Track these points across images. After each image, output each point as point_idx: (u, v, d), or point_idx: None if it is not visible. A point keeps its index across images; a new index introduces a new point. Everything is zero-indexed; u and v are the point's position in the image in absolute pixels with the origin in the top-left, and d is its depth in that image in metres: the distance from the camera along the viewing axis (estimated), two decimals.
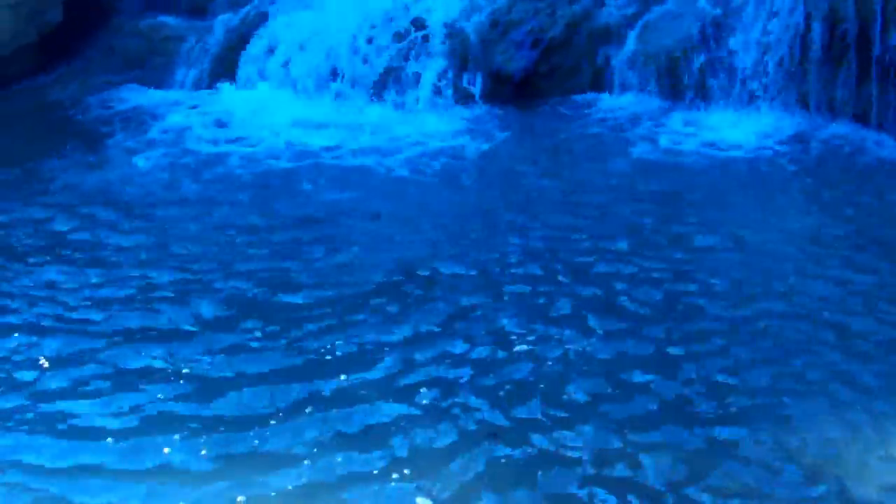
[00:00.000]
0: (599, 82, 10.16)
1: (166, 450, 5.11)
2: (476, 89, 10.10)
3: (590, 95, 10.10)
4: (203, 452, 5.07)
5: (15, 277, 6.95)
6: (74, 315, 6.43)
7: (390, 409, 5.39)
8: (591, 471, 4.93)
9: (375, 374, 5.72)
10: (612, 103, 9.95)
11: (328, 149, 9.18)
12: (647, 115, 9.67)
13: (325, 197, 8.29)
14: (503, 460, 5.01)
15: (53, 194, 8.44)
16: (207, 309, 6.45)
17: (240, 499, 4.74)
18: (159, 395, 5.56)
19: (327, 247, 7.33)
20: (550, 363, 5.79)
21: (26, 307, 6.52)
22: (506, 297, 6.58)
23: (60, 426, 5.32)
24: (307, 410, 5.39)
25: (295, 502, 4.76)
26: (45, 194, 8.43)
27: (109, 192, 8.40)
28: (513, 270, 6.94)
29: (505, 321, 6.23)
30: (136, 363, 5.88)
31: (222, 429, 5.25)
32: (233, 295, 6.64)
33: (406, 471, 4.92)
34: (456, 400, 5.46)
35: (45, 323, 6.34)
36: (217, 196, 8.34)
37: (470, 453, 5.03)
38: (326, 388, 5.57)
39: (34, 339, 6.14)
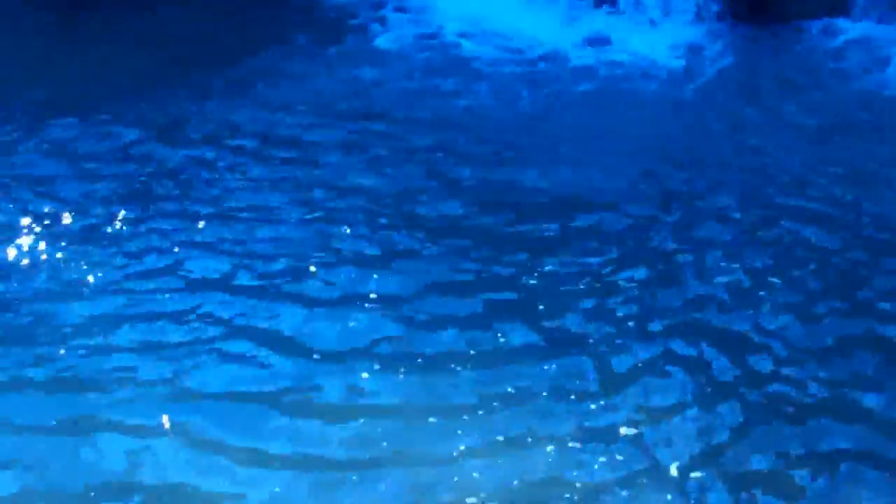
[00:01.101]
0: (842, 6, 9.69)
1: None
2: (713, 6, 9.86)
3: (830, 20, 9.62)
4: None
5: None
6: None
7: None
8: None
9: None
10: (854, 29, 9.49)
11: (543, 57, 9.20)
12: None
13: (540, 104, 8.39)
14: None
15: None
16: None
17: None
18: None
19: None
20: None
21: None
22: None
23: None
24: None
25: None
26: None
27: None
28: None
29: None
30: None
31: None
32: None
33: None
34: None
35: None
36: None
37: None
38: None
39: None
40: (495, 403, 5.04)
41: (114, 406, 5.14)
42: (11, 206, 6.96)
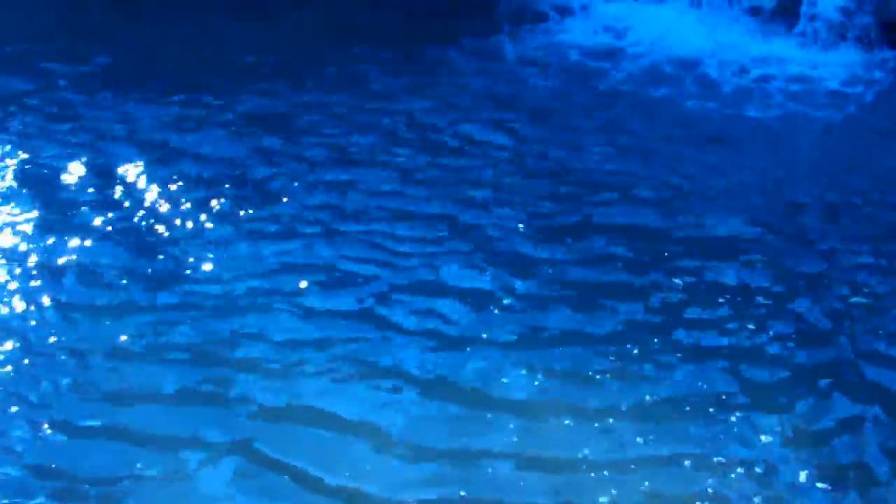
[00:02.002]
0: None
1: None
2: (872, 32, 9.08)
3: None
4: None
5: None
6: None
7: None
8: None
9: None
10: None
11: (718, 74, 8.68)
12: None
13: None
14: None
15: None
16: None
17: None
18: None
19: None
20: None
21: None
22: None
23: None
24: None
25: None
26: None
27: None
28: None
29: None
30: None
31: None
32: None
33: None
34: None
35: None
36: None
37: None
38: None
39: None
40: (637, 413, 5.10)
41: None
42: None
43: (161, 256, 6.41)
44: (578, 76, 8.63)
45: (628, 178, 7.10)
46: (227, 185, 7.13)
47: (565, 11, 9.69)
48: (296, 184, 7.13)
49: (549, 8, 9.70)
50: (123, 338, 5.71)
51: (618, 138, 7.66)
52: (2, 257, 6.38)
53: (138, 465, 4.92)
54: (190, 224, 6.72)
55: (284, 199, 6.96)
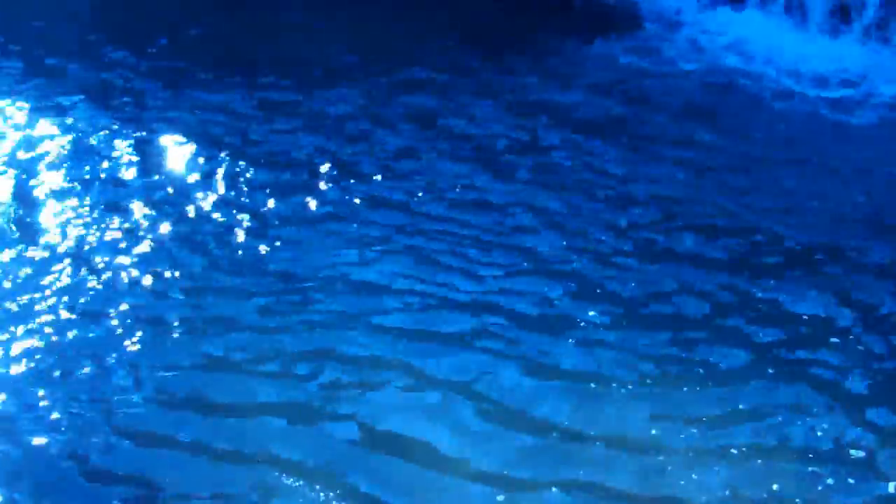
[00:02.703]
0: None
1: None
2: None
3: None
4: None
5: None
6: None
7: None
8: None
9: None
10: None
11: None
12: None
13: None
14: None
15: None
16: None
17: None
18: None
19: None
20: None
21: None
22: None
23: None
24: None
25: None
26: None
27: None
28: None
29: None
30: None
31: None
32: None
33: None
34: None
35: None
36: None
37: None
38: None
39: None
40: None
41: None
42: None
43: (241, 260, 6.42)
44: (673, 89, 8.39)
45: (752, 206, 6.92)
46: (307, 185, 7.12)
47: (659, 19, 9.41)
48: (372, 185, 7.11)
49: (641, 15, 9.46)
50: (212, 349, 5.74)
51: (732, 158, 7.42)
52: (77, 259, 6.44)
53: (219, 482, 4.94)
54: (269, 225, 6.72)
55: (362, 202, 6.94)
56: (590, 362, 5.56)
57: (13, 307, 6.01)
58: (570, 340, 5.71)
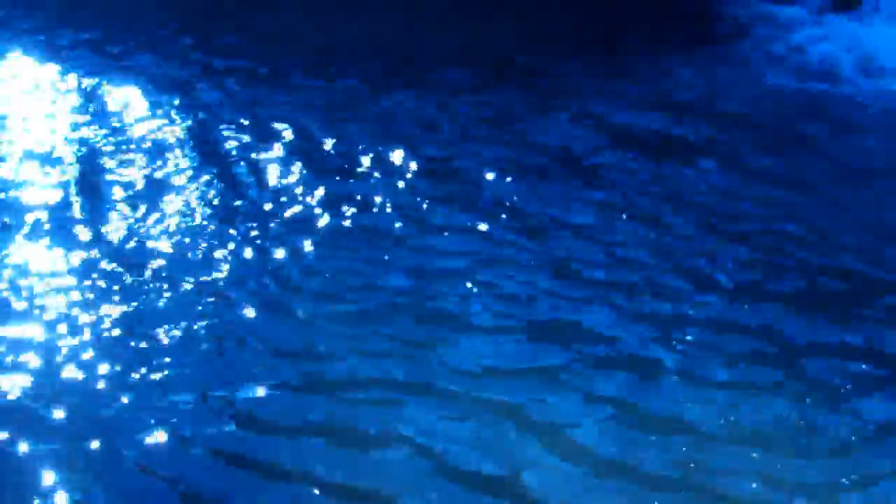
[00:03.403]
0: None
1: None
2: None
3: None
4: None
5: None
6: None
7: None
8: None
9: None
10: None
11: None
12: None
13: None
14: None
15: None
16: None
17: None
18: None
19: None
20: None
21: None
22: None
23: None
24: None
25: None
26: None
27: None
28: None
29: None
30: None
31: None
32: None
33: None
34: None
35: None
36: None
37: None
38: None
39: None
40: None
41: None
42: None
43: (314, 270, 6.43)
44: (772, 103, 8.30)
45: None
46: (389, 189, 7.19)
47: (767, 26, 9.38)
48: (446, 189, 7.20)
49: (749, 23, 9.41)
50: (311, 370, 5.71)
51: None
52: (174, 261, 6.51)
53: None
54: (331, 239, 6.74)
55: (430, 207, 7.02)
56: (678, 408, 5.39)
57: (78, 314, 6.03)
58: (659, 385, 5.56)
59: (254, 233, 6.76)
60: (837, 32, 9.02)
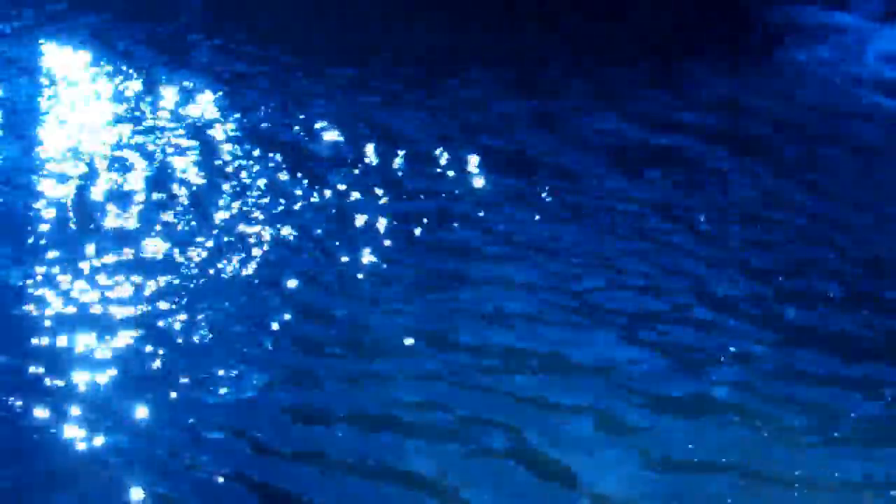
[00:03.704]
0: None
1: None
2: None
3: None
4: None
5: None
6: None
7: None
8: None
9: None
10: None
11: None
12: None
13: None
14: None
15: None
16: None
17: None
18: None
19: None
20: None
21: None
22: None
23: None
24: None
25: None
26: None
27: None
28: None
29: None
30: None
31: None
32: None
33: None
34: None
35: None
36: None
37: None
38: None
39: None
40: None
41: None
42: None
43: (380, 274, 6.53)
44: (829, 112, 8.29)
45: None
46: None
47: (833, 34, 9.28)
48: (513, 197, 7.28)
49: (813, 30, 9.32)
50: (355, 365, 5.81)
51: None
52: (245, 260, 6.64)
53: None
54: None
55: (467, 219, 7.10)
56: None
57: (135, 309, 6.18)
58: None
59: (316, 230, 6.91)
60: (892, 41, 8.99)
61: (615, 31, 9.62)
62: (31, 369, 5.69)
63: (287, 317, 6.12)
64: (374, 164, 7.68)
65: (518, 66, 9.05)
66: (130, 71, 9.07)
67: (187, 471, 5.08)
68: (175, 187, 7.41)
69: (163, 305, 6.18)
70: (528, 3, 10.03)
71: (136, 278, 6.41)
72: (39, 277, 6.39)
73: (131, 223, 6.99)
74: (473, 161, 7.61)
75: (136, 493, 4.92)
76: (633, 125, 8.09)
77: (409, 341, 5.91)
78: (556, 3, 9.97)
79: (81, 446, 5.21)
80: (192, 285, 6.37)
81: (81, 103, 8.61)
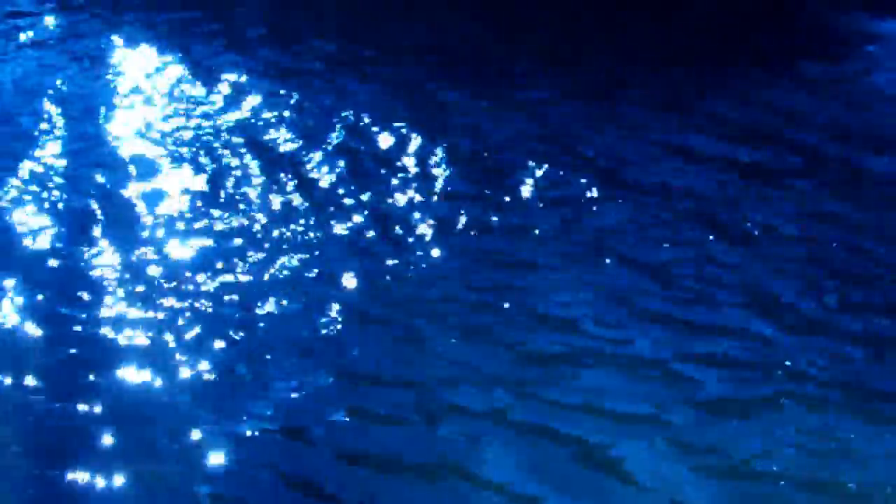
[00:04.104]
0: None
1: None
2: None
3: None
4: None
5: None
6: None
7: None
8: None
9: None
10: None
11: None
12: None
13: None
14: None
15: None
16: None
17: None
18: None
19: None
20: None
21: None
22: None
23: None
24: None
25: None
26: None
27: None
28: None
29: None
30: None
31: None
32: None
33: None
34: None
35: None
36: None
37: None
38: None
39: None
40: None
41: None
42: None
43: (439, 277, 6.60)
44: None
45: None
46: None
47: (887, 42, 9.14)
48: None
49: (866, 37, 9.20)
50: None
51: None
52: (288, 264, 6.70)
53: None
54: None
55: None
56: None
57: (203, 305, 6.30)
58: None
59: (369, 232, 6.97)
60: None
61: (671, 35, 9.56)
62: (85, 365, 5.83)
63: (341, 317, 6.22)
64: (427, 167, 7.70)
65: (573, 70, 9.04)
66: (192, 66, 9.14)
67: (246, 470, 5.20)
68: (230, 183, 7.51)
69: (219, 301, 6.32)
70: (581, 6, 9.97)
71: (191, 274, 6.55)
72: (100, 272, 6.55)
73: (186, 218, 7.10)
74: (530, 165, 7.62)
75: (196, 491, 5.06)
76: (691, 131, 8.11)
77: (465, 346, 6.00)
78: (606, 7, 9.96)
79: (137, 440, 5.36)
80: (247, 283, 6.49)
81: (144, 96, 8.71)
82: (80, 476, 5.12)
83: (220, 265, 6.61)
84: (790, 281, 6.47)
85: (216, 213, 7.15)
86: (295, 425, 5.49)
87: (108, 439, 5.36)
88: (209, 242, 6.85)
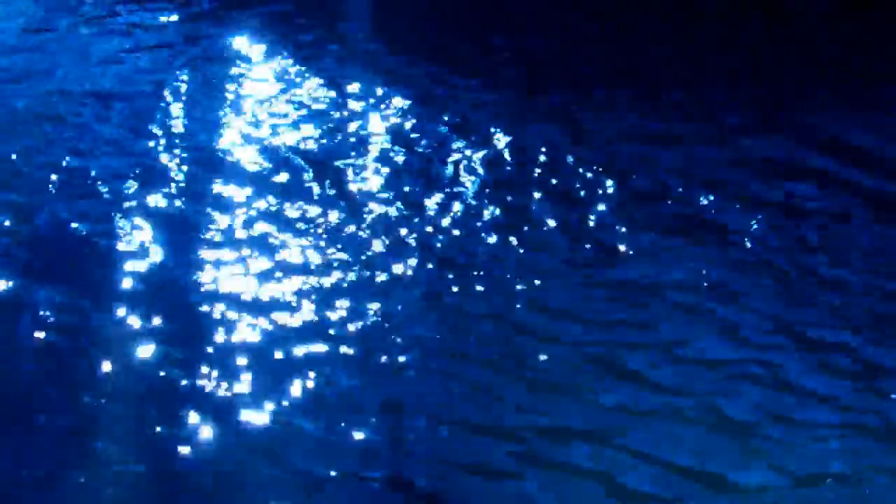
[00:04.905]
0: None
1: None
2: None
3: None
4: None
5: None
6: None
7: None
8: None
9: None
10: None
11: None
12: None
13: None
14: None
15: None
16: None
17: None
18: None
19: None
20: None
21: None
22: None
23: None
24: None
25: None
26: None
27: None
28: None
29: None
30: None
31: None
32: None
33: None
34: None
35: None
36: None
37: None
38: None
39: None
40: None
41: None
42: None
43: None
44: None
45: None
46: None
47: None
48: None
49: None
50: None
51: None
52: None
53: None
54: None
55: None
56: None
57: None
58: None
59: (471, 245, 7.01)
60: None
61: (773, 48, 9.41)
62: (174, 368, 5.97)
63: (432, 327, 6.26)
64: (525, 186, 7.63)
65: (631, 83, 8.90)
66: (300, 68, 9.16)
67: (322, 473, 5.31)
68: (328, 186, 7.54)
69: (313, 304, 6.39)
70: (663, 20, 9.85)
71: (285, 275, 6.63)
72: (207, 272, 6.69)
73: (282, 220, 7.13)
74: (618, 187, 7.54)
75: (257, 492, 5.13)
76: (790, 147, 7.99)
77: (567, 369, 6.05)
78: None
79: (210, 439, 5.47)
80: (345, 286, 6.54)
81: (251, 92, 8.77)
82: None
83: (315, 264, 6.68)
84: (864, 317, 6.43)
85: (310, 215, 7.16)
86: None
87: (174, 432, 5.50)
88: (307, 241, 6.89)
